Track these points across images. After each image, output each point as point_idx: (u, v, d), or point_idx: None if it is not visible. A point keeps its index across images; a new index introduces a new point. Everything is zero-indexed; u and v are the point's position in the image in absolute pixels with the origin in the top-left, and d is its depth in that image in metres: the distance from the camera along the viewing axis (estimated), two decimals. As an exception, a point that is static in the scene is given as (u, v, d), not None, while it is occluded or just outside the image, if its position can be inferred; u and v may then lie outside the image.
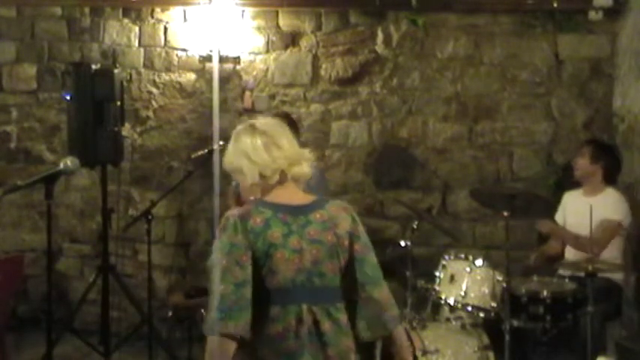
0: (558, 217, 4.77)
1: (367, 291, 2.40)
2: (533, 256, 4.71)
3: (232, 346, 2.25)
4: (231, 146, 2.47)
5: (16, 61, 5.84)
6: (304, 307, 2.30)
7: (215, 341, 2.25)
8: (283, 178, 2.41)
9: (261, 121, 2.50)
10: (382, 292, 2.44)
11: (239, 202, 3.52)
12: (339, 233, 2.39)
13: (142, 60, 5.72)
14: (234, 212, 2.35)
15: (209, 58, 5.54)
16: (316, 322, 2.31)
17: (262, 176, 2.39)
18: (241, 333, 2.24)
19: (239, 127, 2.50)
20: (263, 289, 2.30)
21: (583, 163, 4.63)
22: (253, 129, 2.44)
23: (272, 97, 5.62)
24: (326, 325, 2.32)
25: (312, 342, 2.30)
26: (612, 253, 4.39)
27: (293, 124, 4.75)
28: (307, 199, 2.45)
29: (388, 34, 5.51)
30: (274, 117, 4.87)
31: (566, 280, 4.36)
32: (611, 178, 4.64)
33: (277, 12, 5.60)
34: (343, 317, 2.37)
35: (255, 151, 2.40)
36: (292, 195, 2.42)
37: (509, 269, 4.13)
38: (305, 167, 2.46)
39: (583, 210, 4.11)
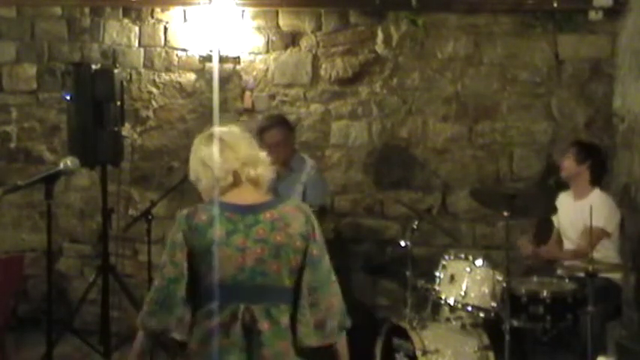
0: (555, 220, 4.78)
1: (316, 296, 2.37)
2: (519, 242, 4.71)
3: (149, 342, 2.40)
4: (191, 157, 2.52)
5: (16, 61, 5.85)
6: (242, 305, 2.30)
7: (139, 336, 2.40)
8: (237, 180, 2.42)
9: (221, 129, 2.53)
10: (332, 298, 2.40)
11: None
12: (291, 233, 2.36)
13: (142, 60, 5.72)
14: (183, 210, 2.42)
15: (209, 58, 5.53)
16: (254, 321, 2.29)
17: (217, 179, 2.42)
18: (166, 328, 2.33)
19: (199, 137, 2.54)
20: (203, 285, 2.33)
21: (568, 164, 4.67)
22: (210, 137, 2.48)
23: (272, 97, 5.62)
24: (264, 325, 2.30)
25: (246, 341, 2.29)
26: (609, 252, 4.39)
27: (288, 126, 4.76)
28: (260, 199, 2.44)
29: (388, 34, 5.51)
30: (269, 118, 4.90)
31: (566, 280, 4.36)
32: (597, 178, 4.64)
33: (277, 12, 5.60)
34: (284, 319, 2.34)
35: (209, 156, 2.44)
36: (246, 195, 2.42)
37: (509, 269, 4.13)
38: (261, 169, 2.45)
39: (572, 214, 4.23)
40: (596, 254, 4.18)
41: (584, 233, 4.31)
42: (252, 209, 2.38)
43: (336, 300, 2.41)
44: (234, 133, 2.50)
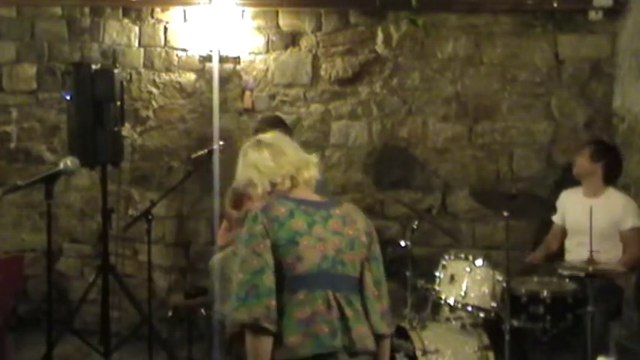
0: (556, 217, 4.76)
1: (381, 289, 2.53)
2: (529, 258, 4.71)
3: (265, 339, 2.31)
4: (240, 162, 2.61)
5: (16, 61, 5.84)
6: (329, 292, 2.39)
7: (248, 337, 2.33)
8: (295, 184, 2.53)
9: (266, 136, 2.65)
10: (386, 292, 2.56)
11: (237, 205, 3.51)
12: (358, 229, 2.52)
13: (142, 60, 5.72)
14: (256, 205, 2.47)
15: (209, 58, 5.53)
16: (340, 307, 2.39)
17: (273, 184, 2.52)
18: (257, 319, 2.29)
19: (246, 144, 2.64)
20: (289, 276, 2.37)
21: (582, 162, 4.61)
22: (259, 143, 2.59)
23: (272, 97, 5.62)
24: (348, 311, 2.41)
25: (340, 326, 2.38)
26: (613, 253, 4.38)
27: (284, 126, 4.76)
28: (324, 199, 2.58)
29: (388, 34, 5.51)
30: (264, 119, 4.90)
31: (567, 280, 4.35)
32: (611, 179, 4.62)
33: (277, 12, 5.60)
34: (360, 307, 2.46)
35: (262, 161, 2.54)
36: (308, 194, 2.55)
37: (509, 269, 4.13)
38: (313, 171, 2.59)
39: (585, 211, 4.06)
40: (608, 253, 4.22)
41: (629, 234, 4.37)
42: (323, 205, 2.52)
43: (387, 294, 2.57)
44: (281, 138, 2.64)
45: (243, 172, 2.58)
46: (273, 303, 2.32)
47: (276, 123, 4.74)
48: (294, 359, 2.32)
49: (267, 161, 2.53)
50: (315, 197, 2.55)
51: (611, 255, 4.31)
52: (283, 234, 2.37)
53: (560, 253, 4.70)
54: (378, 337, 2.50)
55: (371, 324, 2.46)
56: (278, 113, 5.42)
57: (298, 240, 2.38)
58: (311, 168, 2.58)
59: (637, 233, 4.41)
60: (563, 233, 4.71)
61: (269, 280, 2.33)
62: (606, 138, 5.21)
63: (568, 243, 4.66)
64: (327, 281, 2.40)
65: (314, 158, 2.63)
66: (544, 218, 5.07)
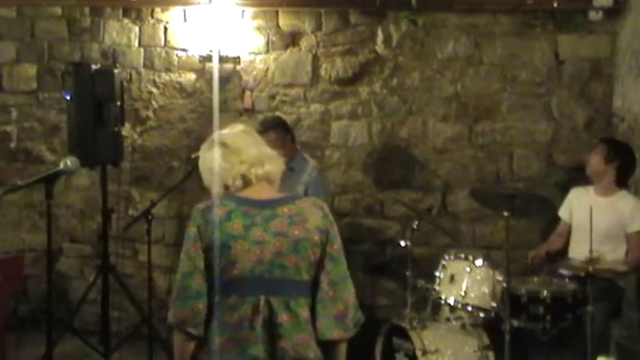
0: (563, 213, 4.74)
1: (337, 290, 2.40)
2: (531, 255, 4.70)
3: (187, 343, 2.34)
4: (200, 164, 2.58)
5: (16, 61, 5.85)
6: (262, 297, 2.32)
7: (174, 336, 2.37)
8: (247, 181, 2.46)
9: (224, 133, 2.56)
10: (349, 293, 2.43)
11: None
12: (309, 228, 2.39)
13: (142, 60, 5.72)
14: (199, 205, 2.43)
15: (209, 58, 5.53)
16: (273, 314, 2.32)
17: (225, 186, 2.46)
18: (181, 322, 2.31)
19: (204, 144, 2.58)
20: (222, 280, 2.34)
21: (596, 161, 4.57)
22: (212, 143, 2.53)
23: (272, 97, 5.62)
24: (283, 317, 2.32)
25: (266, 332, 2.31)
26: (616, 253, 4.37)
27: (286, 127, 4.76)
28: (277, 195, 2.48)
29: (388, 34, 5.51)
30: (265, 121, 4.89)
31: (566, 280, 4.35)
32: (624, 178, 4.58)
33: (277, 12, 5.60)
34: (303, 312, 2.36)
35: (215, 162, 2.48)
36: (261, 191, 2.45)
37: (509, 269, 4.13)
38: (268, 166, 2.48)
39: (595, 209, 4.00)
40: (611, 254, 4.22)
41: (634, 238, 4.37)
42: (269, 203, 2.42)
43: (352, 295, 2.44)
44: (236, 134, 2.53)
45: (203, 173, 2.55)
46: (200, 307, 2.31)
47: (276, 124, 4.74)
48: None
49: (219, 162, 2.46)
50: (266, 195, 2.44)
51: (614, 255, 4.30)
52: (218, 236, 2.32)
53: (565, 251, 4.69)
54: (328, 343, 2.37)
55: (317, 329, 2.35)
56: (278, 114, 5.42)
57: (232, 244, 2.31)
58: (265, 164, 2.47)
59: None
60: (569, 231, 4.69)
61: (197, 283, 2.32)
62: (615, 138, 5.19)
63: (573, 241, 4.64)
64: (261, 286, 2.32)
65: (270, 152, 2.52)
66: (544, 218, 5.08)
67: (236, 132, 2.55)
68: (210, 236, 2.33)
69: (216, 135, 2.55)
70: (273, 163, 2.50)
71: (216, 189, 2.48)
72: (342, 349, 2.44)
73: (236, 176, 2.44)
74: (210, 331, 2.33)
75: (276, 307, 2.32)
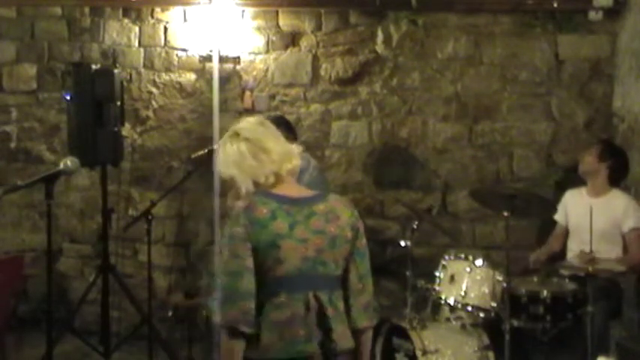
0: (559, 216, 4.76)
1: (364, 283, 2.52)
2: (532, 257, 4.70)
3: (238, 342, 2.32)
4: (220, 155, 2.55)
5: (16, 61, 5.85)
6: (310, 294, 2.39)
7: (222, 337, 2.34)
8: (279, 178, 2.48)
9: (244, 127, 2.54)
10: (371, 285, 2.56)
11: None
12: (341, 225, 2.47)
13: (142, 60, 5.72)
14: (239, 204, 2.42)
15: (209, 58, 5.53)
16: (321, 308, 2.39)
17: (256, 183, 2.47)
18: (233, 322, 2.30)
19: (225, 135, 2.56)
20: (269, 278, 2.36)
21: (589, 160, 4.60)
22: (237, 136, 2.51)
23: (272, 97, 5.62)
24: (329, 311, 2.40)
25: (319, 328, 2.38)
26: (614, 253, 4.38)
27: (288, 126, 4.75)
28: (308, 193, 2.53)
29: (388, 34, 5.51)
30: (269, 119, 4.88)
31: (566, 280, 4.35)
32: (615, 180, 4.61)
33: (277, 12, 5.60)
34: (341, 305, 2.47)
35: (243, 159, 2.47)
36: (292, 188, 2.50)
37: (509, 269, 4.13)
38: (295, 161, 2.52)
39: (587, 211, 4.07)
40: (609, 253, 4.23)
41: (629, 236, 4.38)
42: (306, 201, 2.47)
43: (372, 287, 2.57)
44: (259, 130, 2.53)
45: (224, 168, 2.52)
46: (251, 306, 2.32)
47: (280, 123, 4.73)
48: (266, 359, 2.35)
49: (248, 160, 2.46)
50: (299, 191, 2.51)
51: (612, 255, 4.31)
52: (264, 237, 2.35)
53: (563, 253, 4.70)
54: (359, 331, 2.50)
55: (351, 319, 2.48)
56: (279, 114, 5.42)
57: (279, 243, 2.35)
58: (293, 159, 2.51)
59: (638, 234, 4.41)
60: (566, 233, 4.71)
61: (246, 283, 2.33)
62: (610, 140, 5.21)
63: (570, 243, 4.65)
64: (308, 283, 2.39)
65: (295, 148, 2.56)
66: (544, 218, 5.08)
67: (259, 125, 2.55)
68: (258, 236, 2.35)
69: (240, 127, 2.53)
70: (297, 158, 2.54)
71: (244, 188, 2.47)
72: (369, 335, 2.57)
73: (269, 174, 2.46)
74: (261, 330, 2.34)
75: (324, 302, 2.40)
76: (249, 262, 2.34)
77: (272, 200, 2.41)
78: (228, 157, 2.50)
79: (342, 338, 2.43)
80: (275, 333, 2.34)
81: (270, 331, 2.34)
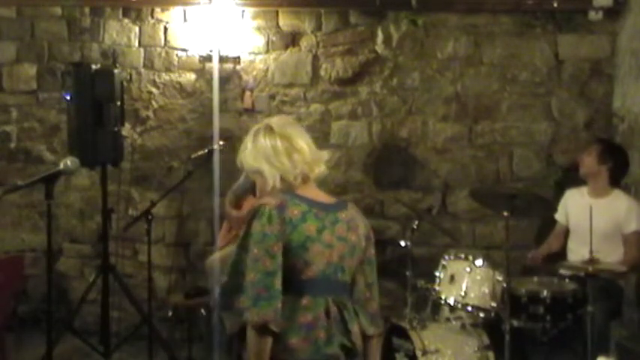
0: (559, 216, 4.75)
1: (372, 291, 2.58)
2: (530, 255, 4.71)
3: (267, 339, 2.32)
4: (250, 146, 2.50)
5: (16, 61, 5.85)
6: (330, 299, 2.41)
7: (251, 335, 2.33)
8: (306, 180, 2.48)
9: (279, 123, 2.52)
10: (377, 294, 2.62)
11: (237, 206, 3.51)
12: (360, 234, 2.52)
13: (142, 60, 5.72)
14: (269, 201, 2.39)
15: (209, 58, 5.53)
16: (340, 311, 2.43)
17: (284, 180, 2.45)
18: (267, 321, 2.29)
19: (257, 127, 2.53)
20: (295, 279, 2.37)
21: (589, 162, 4.58)
22: (272, 131, 2.48)
23: (272, 97, 5.62)
24: (345, 314, 2.44)
25: (339, 331, 2.41)
26: (615, 254, 4.37)
27: None
28: (331, 199, 2.53)
29: (388, 34, 5.51)
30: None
31: (567, 280, 4.35)
32: (616, 180, 4.60)
33: (277, 12, 5.60)
34: (352, 310, 2.50)
35: (276, 155, 2.45)
36: (317, 193, 2.51)
37: (509, 269, 4.13)
38: (323, 167, 2.52)
39: (588, 211, 4.01)
40: (610, 254, 4.23)
41: (631, 237, 4.38)
42: (332, 208, 2.49)
43: (378, 295, 2.63)
44: (294, 128, 2.51)
45: (252, 161, 2.47)
46: (281, 305, 2.32)
47: None
48: None
49: (281, 156, 2.43)
50: (324, 197, 2.51)
51: (612, 256, 4.30)
52: (295, 237, 2.35)
53: (563, 253, 4.69)
54: (366, 338, 2.53)
55: (360, 326, 2.51)
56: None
57: (309, 245, 2.37)
58: (321, 165, 2.51)
59: (639, 237, 4.41)
60: (567, 233, 4.70)
61: (278, 282, 2.32)
62: (609, 139, 5.20)
63: (570, 243, 4.65)
64: (328, 287, 2.42)
65: (325, 154, 2.53)
66: (544, 218, 5.08)
67: (291, 125, 2.53)
68: (289, 236, 2.35)
69: (275, 123, 2.50)
70: (324, 162, 2.53)
71: (271, 183, 2.45)
72: (376, 343, 2.61)
73: (297, 175, 2.45)
74: (285, 330, 2.34)
75: (341, 306, 2.43)
76: (280, 262, 2.34)
77: (302, 203, 2.41)
78: (260, 151, 2.46)
79: (358, 339, 2.47)
80: (300, 334, 2.35)
81: (296, 332, 2.35)
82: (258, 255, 2.32)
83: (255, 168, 2.47)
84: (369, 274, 2.56)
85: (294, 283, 2.36)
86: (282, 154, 2.44)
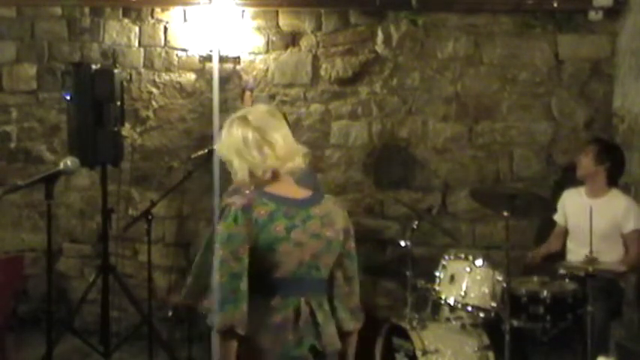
0: (558, 217, 4.76)
1: (352, 286, 2.51)
2: (530, 254, 4.70)
3: (233, 342, 2.29)
4: (223, 135, 2.45)
5: (16, 61, 5.84)
6: (302, 299, 2.36)
7: (217, 339, 2.31)
8: (276, 175, 2.41)
9: (255, 113, 2.45)
10: (358, 287, 2.54)
11: None
12: (337, 229, 2.45)
13: (142, 60, 5.72)
14: (235, 201, 2.34)
15: (209, 58, 5.53)
16: (312, 313, 2.37)
17: (252, 175, 2.40)
18: (233, 325, 2.27)
19: (233, 116, 2.46)
20: (265, 280, 2.33)
21: (587, 163, 4.57)
22: (246, 121, 2.41)
23: (272, 97, 5.62)
24: (319, 315, 2.39)
25: (310, 332, 2.36)
26: (614, 254, 4.37)
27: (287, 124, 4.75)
28: (305, 194, 2.46)
29: (388, 34, 5.51)
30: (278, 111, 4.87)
31: (566, 280, 4.35)
32: (614, 179, 4.61)
33: (277, 12, 5.60)
34: (328, 307, 2.45)
35: (246, 147, 2.38)
36: (289, 188, 2.43)
37: (509, 269, 4.13)
38: (297, 161, 2.44)
39: (586, 211, 4.04)
40: (610, 254, 4.23)
41: (630, 237, 4.38)
42: (304, 203, 2.42)
43: (358, 289, 2.55)
44: (270, 120, 2.43)
45: (224, 151, 2.43)
46: (247, 308, 2.28)
47: None
48: None
49: (251, 149, 2.36)
50: (296, 192, 2.43)
51: (612, 256, 4.30)
52: (262, 239, 2.30)
53: (562, 253, 4.70)
54: (346, 334, 2.49)
55: (338, 321, 2.46)
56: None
57: (277, 246, 2.31)
58: (296, 159, 2.43)
59: (638, 235, 4.41)
60: (566, 233, 4.70)
61: (245, 285, 2.29)
62: (606, 138, 5.20)
63: (570, 243, 4.65)
64: (301, 287, 2.37)
65: (302, 148, 2.46)
66: (544, 218, 5.08)
67: (271, 114, 2.46)
68: (256, 237, 2.30)
69: (251, 113, 2.44)
70: (300, 156, 2.45)
71: (240, 176, 2.40)
72: (355, 337, 2.56)
73: (268, 170, 2.38)
74: (254, 332, 2.31)
75: (314, 307, 2.38)
76: (247, 264, 2.29)
77: (270, 201, 2.35)
78: (232, 142, 2.41)
79: (332, 340, 2.41)
80: (269, 335, 2.32)
81: (266, 334, 2.32)
82: (224, 257, 2.29)
83: (227, 159, 2.43)
84: (349, 267, 2.49)
85: (263, 284, 2.33)
86: (252, 146, 2.37)
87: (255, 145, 2.37)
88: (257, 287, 2.31)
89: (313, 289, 2.40)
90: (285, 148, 2.40)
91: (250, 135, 2.38)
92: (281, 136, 2.41)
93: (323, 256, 2.40)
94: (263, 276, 2.33)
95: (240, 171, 2.40)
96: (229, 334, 2.28)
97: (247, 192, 2.40)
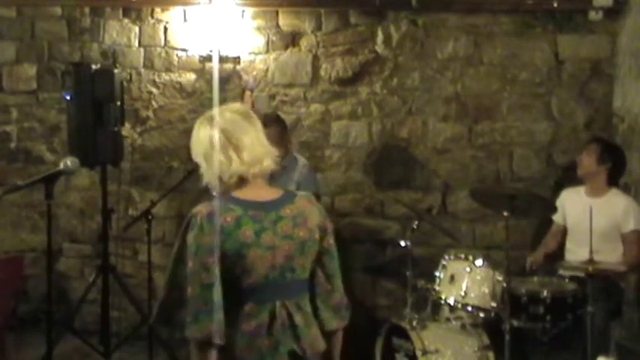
0: (557, 216, 4.75)
1: (333, 283, 2.44)
2: (529, 261, 4.69)
3: (211, 353, 2.24)
4: (193, 136, 2.42)
5: (16, 61, 5.85)
6: (277, 303, 2.31)
7: (194, 350, 2.26)
8: (244, 180, 2.35)
9: (225, 114, 2.38)
10: (341, 284, 2.48)
11: None
12: (310, 227, 2.37)
13: (142, 60, 5.72)
14: (200, 209, 2.30)
15: (209, 58, 5.54)
16: (290, 316, 2.32)
17: (220, 179, 2.35)
18: (209, 336, 2.23)
19: (204, 116, 2.42)
20: (237, 287, 2.29)
21: (589, 162, 4.57)
22: (212, 122, 2.36)
23: (272, 97, 5.62)
24: (298, 318, 2.33)
25: (287, 336, 2.31)
26: (614, 254, 4.37)
27: (283, 124, 4.75)
28: (275, 194, 2.39)
29: (388, 34, 5.51)
30: (264, 117, 4.87)
31: (566, 280, 4.35)
32: (614, 179, 4.61)
33: (277, 12, 5.60)
34: (308, 307, 2.39)
35: (211, 151, 2.34)
36: (259, 190, 2.37)
37: (509, 269, 4.13)
38: (266, 163, 2.36)
39: (586, 211, 4.04)
40: (610, 255, 4.23)
41: (630, 237, 4.37)
42: (273, 205, 2.35)
43: (342, 285, 2.48)
44: (238, 123, 2.36)
45: (194, 151, 2.40)
46: (222, 317, 2.24)
47: (277, 120, 4.74)
48: None
49: (216, 154, 2.30)
50: (266, 193, 2.36)
51: (612, 256, 4.30)
52: (230, 246, 2.24)
53: (560, 252, 4.70)
54: (330, 333, 2.43)
55: (321, 321, 2.40)
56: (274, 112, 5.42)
57: (245, 252, 2.25)
58: (263, 162, 2.35)
59: (638, 235, 4.41)
60: (564, 232, 4.70)
61: (218, 294, 2.23)
62: (606, 138, 5.20)
63: (569, 243, 4.65)
64: (276, 291, 2.31)
65: (271, 149, 2.38)
66: (544, 218, 5.07)
67: (241, 117, 2.38)
68: (223, 245, 2.25)
69: (219, 114, 2.37)
70: (269, 158, 2.38)
71: (206, 179, 2.37)
72: (340, 336, 2.50)
73: (233, 175, 2.33)
74: (229, 339, 2.26)
75: (291, 310, 2.32)
76: (218, 273, 2.24)
77: (237, 206, 2.29)
78: (200, 144, 2.37)
79: (314, 342, 2.36)
80: (244, 342, 2.27)
81: (241, 341, 2.27)
82: (193, 268, 2.25)
83: (198, 160, 2.39)
84: (329, 265, 2.42)
85: (236, 290, 2.28)
86: (217, 150, 2.31)
87: (222, 147, 2.32)
88: (230, 294, 2.26)
89: (290, 292, 2.34)
90: (252, 153, 2.33)
91: (217, 137, 2.32)
92: (248, 139, 2.34)
93: (297, 257, 2.33)
94: (235, 283, 2.27)
95: (206, 175, 2.38)
96: (206, 345, 2.24)
97: (214, 198, 2.35)
